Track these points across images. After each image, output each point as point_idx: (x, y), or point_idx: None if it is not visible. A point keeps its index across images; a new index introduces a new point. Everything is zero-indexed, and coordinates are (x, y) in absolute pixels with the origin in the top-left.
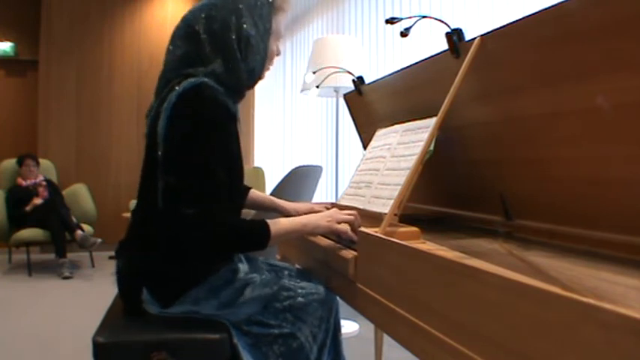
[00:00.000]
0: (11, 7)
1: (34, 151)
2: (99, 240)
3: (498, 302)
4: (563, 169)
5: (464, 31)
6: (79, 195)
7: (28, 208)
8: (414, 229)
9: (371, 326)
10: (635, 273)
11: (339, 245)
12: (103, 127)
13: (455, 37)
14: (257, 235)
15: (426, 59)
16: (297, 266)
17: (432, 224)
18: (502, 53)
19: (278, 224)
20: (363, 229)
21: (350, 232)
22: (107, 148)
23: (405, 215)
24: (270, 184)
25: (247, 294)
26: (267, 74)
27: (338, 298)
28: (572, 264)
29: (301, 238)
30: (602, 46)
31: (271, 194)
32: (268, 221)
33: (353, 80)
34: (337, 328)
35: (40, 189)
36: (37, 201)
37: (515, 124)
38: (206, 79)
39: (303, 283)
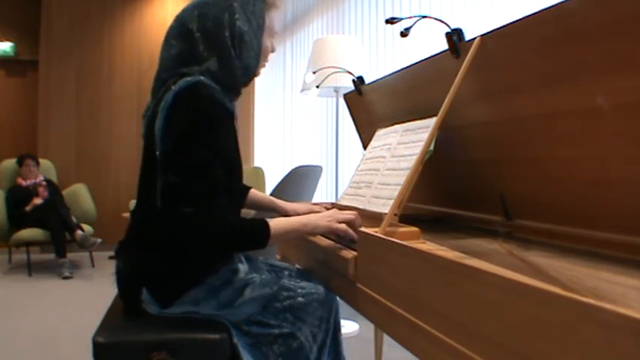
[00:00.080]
0: (11, 7)
1: (34, 151)
2: (99, 240)
3: (498, 302)
4: (563, 169)
5: (464, 31)
6: (79, 195)
7: (28, 208)
8: (414, 229)
9: (371, 326)
10: (635, 273)
11: (339, 245)
12: (103, 127)
13: (455, 37)
14: (257, 234)
15: (426, 59)
16: (297, 266)
17: (432, 224)
18: (502, 53)
19: (278, 223)
20: (363, 229)
21: (350, 231)
22: (107, 148)
23: (405, 215)
24: (270, 184)
25: (247, 294)
26: (268, 74)
27: (338, 298)
28: (572, 264)
29: (301, 238)
30: (602, 46)
31: (271, 194)
32: (268, 220)
33: (353, 80)
34: (337, 328)
35: (40, 189)
36: (37, 201)
37: (515, 124)
38: (202, 78)
39: (303, 283)
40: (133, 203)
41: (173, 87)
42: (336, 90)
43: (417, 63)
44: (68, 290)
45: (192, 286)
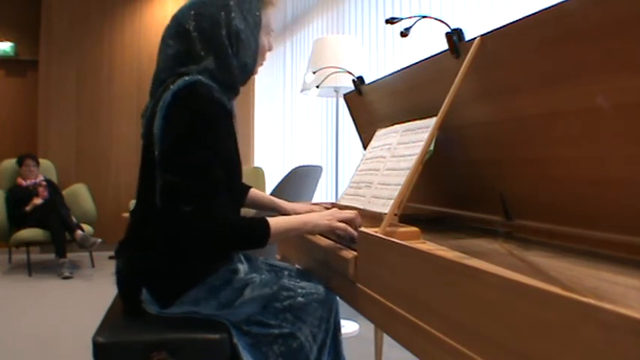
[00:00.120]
0: (11, 7)
1: (34, 151)
2: (99, 240)
3: (498, 302)
4: (563, 169)
5: (464, 31)
6: (79, 195)
7: (28, 208)
8: (414, 229)
9: (371, 326)
10: (635, 273)
11: (339, 245)
12: (103, 127)
13: (455, 37)
14: (257, 233)
15: (426, 59)
16: (297, 266)
17: (432, 224)
18: (502, 53)
19: (278, 222)
20: (363, 229)
21: (350, 229)
22: (107, 148)
23: (405, 215)
24: (270, 184)
25: (247, 294)
26: (268, 74)
27: (338, 298)
28: (572, 264)
29: (301, 238)
30: (602, 46)
31: (271, 194)
32: (268, 219)
33: (353, 80)
34: (337, 328)
35: (40, 189)
36: (37, 201)
37: (515, 124)
38: (200, 77)
39: (303, 283)
40: (132, 203)
41: (171, 87)
42: (336, 90)
43: (417, 63)
44: (68, 290)
45: (192, 286)
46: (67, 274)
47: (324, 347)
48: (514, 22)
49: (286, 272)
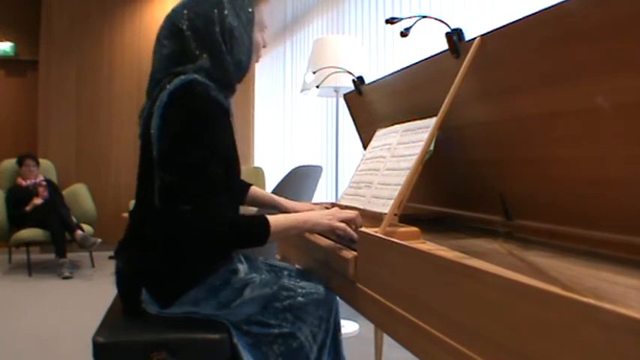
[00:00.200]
0: (11, 7)
1: (34, 151)
2: (99, 240)
3: (498, 302)
4: (563, 169)
5: (464, 31)
6: (79, 195)
7: (28, 208)
8: (414, 229)
9: (371, 326)
10: (635, 273)
11: (339, 245)
12: (103, 127)
13: (455, 37)
14: (256, 231)
15: (426, 59)
16: (297, 266)
17: (432, 224)
18: (502, 53)
19: (278, 220)
20: (363, 229)
21: (349, 230)
22: (107, 148)
23: (405, 215)
24: (270, 184)
25: (247, 294)
26: (268, 74)
27: (338, 298)
28: (572, 264)
29: (301, 238)
30: (602, 46)
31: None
32: (268, 217)
33: (353, 80)
34: (337, 327)
35: (40, 189)
36: (37, 201)
37: (515, 124)
38: (196, 76)
39: (303, 283)
40: (132, 203)
41: (168, 86)
42: (336, 90)
43: (417, 63)
44: (68, 290)
45: (191, 286)
46: (67, 274)
47: (324, 347)
48: (514, 22)
49: (286, 272)
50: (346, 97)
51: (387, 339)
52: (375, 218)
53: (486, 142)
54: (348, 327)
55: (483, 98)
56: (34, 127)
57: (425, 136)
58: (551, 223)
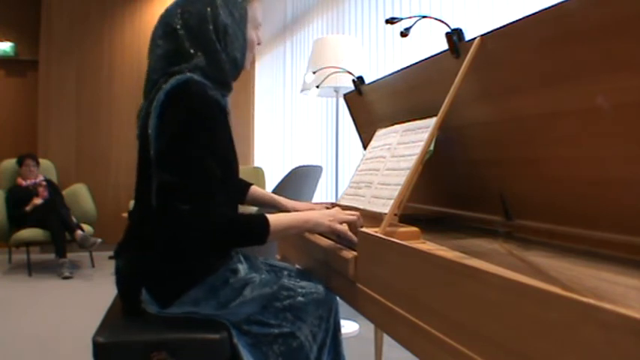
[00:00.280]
0: (11, 7)
1: (34, 151)
2: (99, 240)
3: (498, 302)
4: (562, 169)
5: (464, 31)
6: (79, 195)
7: (28, 208)
8: (414, 229)
9: (371, 326)
10: (635, 273)
11: (339, 245)
12: (103, 127)
13: (455, 37)
14: (256, 230)
15: (426, 59)
16: (297, 266)
17: (432, 224)
18: (502, 53)
19: (278, 219)
20: (363, 229)
21: (349, 233)
22: (107, 148)
23: (405, 215)
24: (270, 184)
25: (247, 294)
26: (268, 74)
27: (338, 298)
28: (572, 264)
29: (301, 238)
30: (602, 46)
31: None
32: (268, 216)
33: (353, 80)
34: (337, 327)
35: (40, 189)
36: (37, 201)
37: (515, 124)
38: (193, 75)
39: (303, 283)
40: (132, 203)
41: (164, 86)
42: (336, 90)
43: (417, 63)
44: (68, 290)
45: (191, 286)
46: (67, 274)
47: (324, 347)
48: (514, 22)
49: (286, 272)
50: (346, 97)
51: (387, 339)
52: (375, 218)
53: (486, 142)
54: (348, 327)
55: (483, 98)
56: (34, 127)
57: (425, 136)
58: (551, 223)
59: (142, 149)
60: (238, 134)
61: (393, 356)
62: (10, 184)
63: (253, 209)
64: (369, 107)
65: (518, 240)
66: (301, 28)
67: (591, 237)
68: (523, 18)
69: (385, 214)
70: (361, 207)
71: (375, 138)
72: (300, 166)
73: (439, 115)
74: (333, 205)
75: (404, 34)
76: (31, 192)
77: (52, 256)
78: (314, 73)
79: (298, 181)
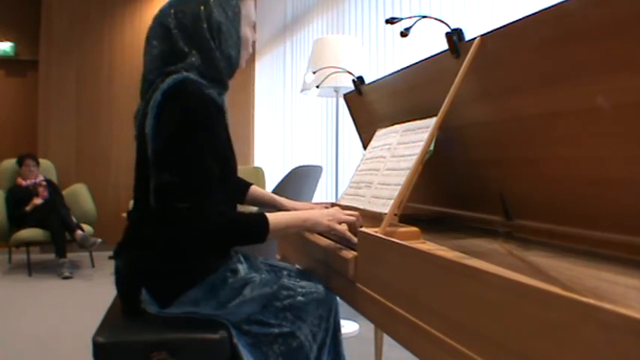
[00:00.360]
0: (11, 7)
1: (34, 151)
2: (99, 240)
3: (498, 302)
4: (562, 169)
5: (464, 31)
6: (79, 195)
7: (28, 208)
8: (414, 229)
9: (371, 326)
10: (635, 273)
11: (339, 245)
12: (103, 127)
13: (455, 37)
14: (256, 229)
15: (426, 59)
16: (297, 266)
17: (432, 224)
18: (502, 53)
19: (277, 218)
20: (363, 229)
21: (348, 234)
22: (107, 148)
23: (405, 215)
24: (270, 184)
25: (247, 293)
26: (268, 74)
27: (338, 297)
28: (572, 264)
29: (301, 238)
30: (602, 46)
31: None
32: (268, 215)
33: (353, 80)
34: (337, 327)
35: (40, 189)
36: (37, 201)
37: (515, 124)
38: (189, 74)
39: (303, 283)
40: (132, 203)
41: (161, 85)
42: (336, 90)
43: (417, 63)
44: (68, 290)
45: (191, 286)
46: (67, 274)
47: (324, 346)
48: (514, 22)
49: (286, 272)
50: (346, 97)
51: (387, 339)
52: (375, 218)
53: (486, 142)
54: (348, 327)
55: (483, 98)
56: (34, 127)
57: (425, 136)
58: (551, 223)
59: (139, 149)
60: (238, 134)
61: (393, 356)
62: (10, 184)
63: (253, 209)
64: (369, 107)
65: (518, 240)
66: (301, 28)
67: (591, 237)
68: (523, 18)
69: (385, 214)
70: (361, 207)
71: (375, 138)
72: (300, 166)
73: (439, 115)
74: (333, 205)
75: (404, 34)
76: (31, 192)
77: (52, 256)
78: (314, 73)
79: (298, 181)
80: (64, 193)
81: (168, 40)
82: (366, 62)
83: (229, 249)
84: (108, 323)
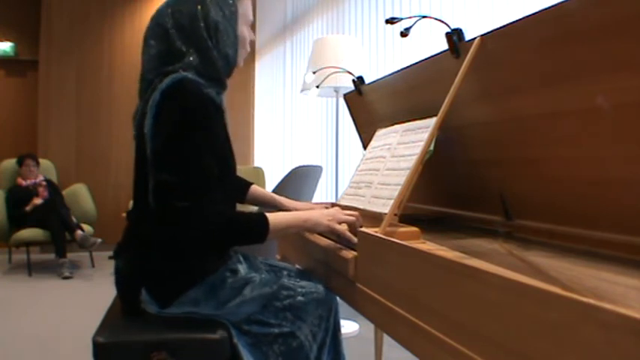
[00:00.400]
0: (11, 7)
1: (34, 151)
2: (99, 240)
3: (498, 302)
4: (562, 169)
5: (464, 31)
6: (79, 195)
7: (28, 208)
8: (414, 229)
9: (371, 326)
10: (635, 273)
11: (339, 245)
12: (103, 127)
13: (455, 37)
14: (256, 229)
15: (426, 59)
16: (297, 266)
17: (432, 224)
18: (502, 53)
19: (277, 218)
20: (363, 229)
21: (348, 233)
22: (107, 148)
23: (405, 215)
24: (270, 184)
25: (247, 293)
26: (268, 74)
27: (338, 297)
28: (572, 264)
29: (301, 238)
30: (602, 46)
31: None
32: (268, 215)
33: (353, 80)
34: (337, 327)
35: (40, 189)
36: (37, 201)
37: (515, 124)
38: (187, 74)
39: (303, 282)
40: (132, 203)
41: (159, 85)
42: (336, 90)
43: (417, 63)
44: (68, 290)
45: (191, 286)
46: (67, 274)
47: (324, 346)
48: (514, 22)
49: (286, 272)
50: (346, 97)
51: (387, 339)
52: (375, 218)
53: (486, 142)
54: (348, 327)
55: (483, 98)
56: (34, 127)
57: (425, 136)
58: (551, 223)
59: (138, 149)
60: (238, 134)
61: (393, 356)
62: (10, 184)
63: (254, 208)
64: (369, 107)
65: (518, 240)
66: (301, 28)
67: (591, 237)
68: (523, 18)
69: (385, 214)
70: (361, 207)
71: (375, 138)
72: (300, 166)
73: (439, 115)
74: (333, 205)
75: (404, 34)
76: (31, 192)
77: (52, 256)
78: (314, 73)
79: (298, 181)
80: (64, 193)
81: (166, 40)
82: (366, 62)
83: (229, 248)
84: (108, 323)
